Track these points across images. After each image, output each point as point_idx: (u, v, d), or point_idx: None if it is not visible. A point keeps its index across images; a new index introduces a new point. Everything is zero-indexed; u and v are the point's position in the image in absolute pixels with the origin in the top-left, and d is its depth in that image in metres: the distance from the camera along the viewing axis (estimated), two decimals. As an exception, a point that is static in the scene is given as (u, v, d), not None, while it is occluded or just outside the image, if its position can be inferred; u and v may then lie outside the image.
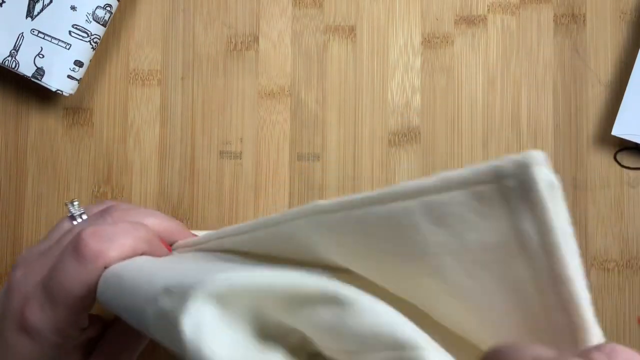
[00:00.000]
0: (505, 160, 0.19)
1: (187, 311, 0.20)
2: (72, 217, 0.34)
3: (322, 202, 0.24)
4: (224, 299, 0.20)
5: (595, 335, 0.20)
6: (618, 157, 0.46)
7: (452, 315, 0.23)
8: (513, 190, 0.19)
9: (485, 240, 0.20)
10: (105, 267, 0.29)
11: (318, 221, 0.24)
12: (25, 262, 0.32)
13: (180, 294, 0.21)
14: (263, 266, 0.27)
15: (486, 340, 0.22)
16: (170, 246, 0.34)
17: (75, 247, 0.29)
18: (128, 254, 0.30)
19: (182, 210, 0.47)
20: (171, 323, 0.20)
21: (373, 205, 0.22)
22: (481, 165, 0.19)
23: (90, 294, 0.30)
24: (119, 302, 0.27)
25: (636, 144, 0.45)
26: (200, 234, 0.40)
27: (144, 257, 0.30)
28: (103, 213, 0.32)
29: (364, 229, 0.22)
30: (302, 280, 0.20)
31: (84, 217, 0.34)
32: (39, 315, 0.30)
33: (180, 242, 0.34)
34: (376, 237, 0.22)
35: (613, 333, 0.46)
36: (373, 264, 0.23)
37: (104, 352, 0.34)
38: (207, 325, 0.20)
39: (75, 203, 0.34)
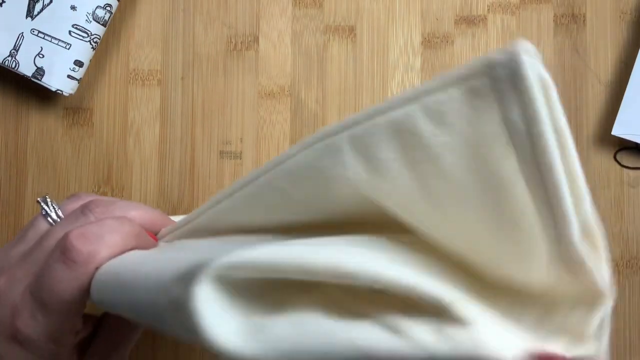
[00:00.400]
0: (497, 51, 0.19)
1: (195, 296, 0.19)
2: (47, 215, 0.32)
3: (326, 126, 0.24)
4: (229, 277, 0.20)
5: (575, 229, 0.19)
6: (618, 157, 0.46)
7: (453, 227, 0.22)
8: (503, 80, 0.19)
9: (482, 134, 0.20)
10: (97, 268, 0.29)
11: (326, 145, 0.23)
12: (5, 268, 0.31)
13: (184, 281, 0.20)
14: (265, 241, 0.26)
15: (478, 247, 0.22)
16: (155, 236, 0.34)
17: (64, 251, 0.28)
18: (118, 251, 0.29)
19: (182, 210, 0.47)
20: (181, 309, 0.20)
21: (377, 116, 0.22)
22: (475, 60, 0.20)
23: (84, 298, 0.29)
24: (123, 301, 0.26)
25: (636, 144, 0.45)
26: (178, 219, 0.39)
27: (136, 252, 0.30)
28: (84, 209, 0.31)
29: (371, 144, 0.22)
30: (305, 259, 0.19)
31: (60, 213, 0.32)
32: (31, 325, 0.29)
33: (165, 230, 0.33)
34: (381, 149, 0.22)
35: (613, 333, 0.46)
36: (384, 184, 0.23)
37: (98, 351, 0.33)
38: (214, 309, 0.19)
39: (49, 200, 0.33)
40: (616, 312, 0.46)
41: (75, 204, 0.33)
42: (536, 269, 0.21)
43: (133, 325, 0.32)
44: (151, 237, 0.33)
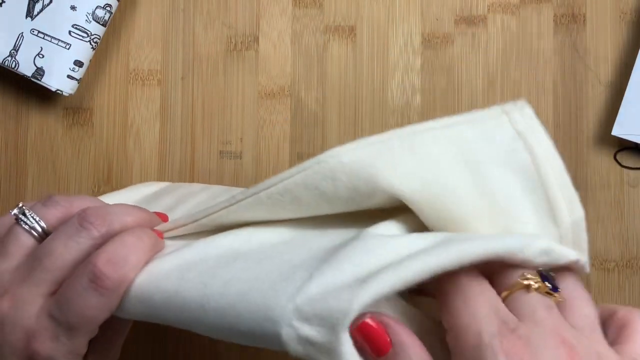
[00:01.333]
0: (505, 104, 0.29)
1: (343, 344, 0.24)
2: (26, 224, 0.32)
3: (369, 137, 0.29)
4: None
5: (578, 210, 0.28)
6: (618, 157, 0.46)
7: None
8: (515, 115, 0.29)
9: (503, 147, 0.29)
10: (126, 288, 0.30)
11: (377, 149, 0.29)
12: (1, 288, 0.30)
13: (323, 323, 0.24)
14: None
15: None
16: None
17: (94, 279, 0.29)
18: (141, 267, 0.30)
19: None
20: (326, 352, 0.24)
21: (432, 130, 0.29)
22: (492, 107, 0.29)
23: (110, 315, 0.30)
24: (182, 317, 0.28)
25: (636, 144, 0.45)
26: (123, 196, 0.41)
27: (169, 263, 0.31)
28: (82, 222, 0.31)
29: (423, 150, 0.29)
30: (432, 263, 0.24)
31: (42, 224, 0.32)
32: (51, 346, 0.30)
33: (163, 227, 0.34)
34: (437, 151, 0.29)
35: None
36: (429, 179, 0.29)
37: (98, 346, 0.33)
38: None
39: (26, 210, 0.32)
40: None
41: (55, 211, 0.32)
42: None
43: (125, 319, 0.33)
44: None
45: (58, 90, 0.45)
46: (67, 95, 0.46)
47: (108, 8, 0.45)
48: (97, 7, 0.45)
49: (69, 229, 0.31)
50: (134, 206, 0.34)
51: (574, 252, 0.27)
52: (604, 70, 0.46)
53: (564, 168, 0.29)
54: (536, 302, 0.25)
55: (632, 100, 0.44)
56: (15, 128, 0.48)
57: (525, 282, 0.25)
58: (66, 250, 0.30)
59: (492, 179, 0.28)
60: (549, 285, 0.26)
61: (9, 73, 0.47)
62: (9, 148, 0.48)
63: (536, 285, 0.25)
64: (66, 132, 0.48)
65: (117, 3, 0.46)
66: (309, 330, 0.24)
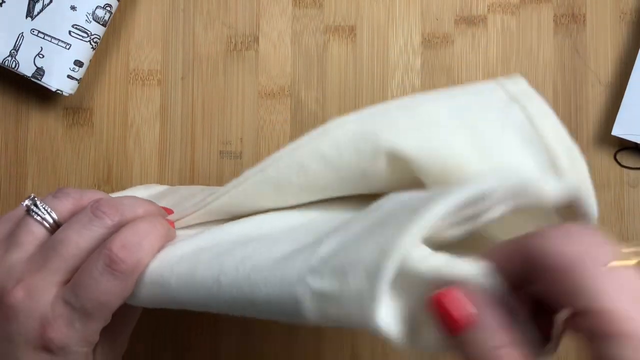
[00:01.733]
0: (498, 78, 0.31)
1: (378, 295, 0.23)
2: (37, 215, 0.32)
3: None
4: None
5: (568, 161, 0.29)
6: (618, 157, 0.46)
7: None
8: (509, 85, 0.31)
9: (498, 112, 0.30)
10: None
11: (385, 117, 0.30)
12: (13, 278, 0.31)
13: (335, 272, 0.24)
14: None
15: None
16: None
17: (110, 264, 0.29)
18: (155, 254, 0.31)
19: (182, 210, 0.47)
20: (342, 301, 0.24)
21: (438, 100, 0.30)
22: (487, 81, 0.31)
23: (123, 301, 0.31)
24: (202, 298, 0.29)
25: (636, 144, 0.45)
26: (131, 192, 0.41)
27: (179, 250, 0.31)
28: (95, 211, 0.31)
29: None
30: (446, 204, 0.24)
31: (54, 216, 0.32)
32: (66, 333, 0.30)
33: (175, 216, 0.35)
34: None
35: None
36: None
37: (108, 336, 0.34)
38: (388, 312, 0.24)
39: (38, 202, 0.33)
40: (616, 312, 0.46)
41: (66, 202, 0.33)
42: None
43: (134, 307, 0.33)
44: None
45: (58, 90, 0.45)
46: (67, 95, 0.46)
47: (108, 8, 0.45)
48: (97, 7, 0.45)
49: (82, 218, 0.32)
50: (143, 199, 0.34)
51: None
52: (604, 70, 0.46)
53: (559, 122, 0.29)
54: None
55: (632, 100, 0.44)
56: (15, 128, 0.48)
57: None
58: (81, 239, 0.31)
59: (490, 135, 0.29)
60: None
61: (9, 73, 0.47)
62: (9, 148, 0.48)
63: None
64: (66, 132, 0.48)
65: (117, 3, 0.46)
66: (320, 283, 0.24)
